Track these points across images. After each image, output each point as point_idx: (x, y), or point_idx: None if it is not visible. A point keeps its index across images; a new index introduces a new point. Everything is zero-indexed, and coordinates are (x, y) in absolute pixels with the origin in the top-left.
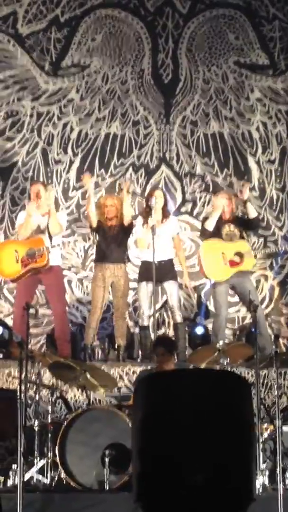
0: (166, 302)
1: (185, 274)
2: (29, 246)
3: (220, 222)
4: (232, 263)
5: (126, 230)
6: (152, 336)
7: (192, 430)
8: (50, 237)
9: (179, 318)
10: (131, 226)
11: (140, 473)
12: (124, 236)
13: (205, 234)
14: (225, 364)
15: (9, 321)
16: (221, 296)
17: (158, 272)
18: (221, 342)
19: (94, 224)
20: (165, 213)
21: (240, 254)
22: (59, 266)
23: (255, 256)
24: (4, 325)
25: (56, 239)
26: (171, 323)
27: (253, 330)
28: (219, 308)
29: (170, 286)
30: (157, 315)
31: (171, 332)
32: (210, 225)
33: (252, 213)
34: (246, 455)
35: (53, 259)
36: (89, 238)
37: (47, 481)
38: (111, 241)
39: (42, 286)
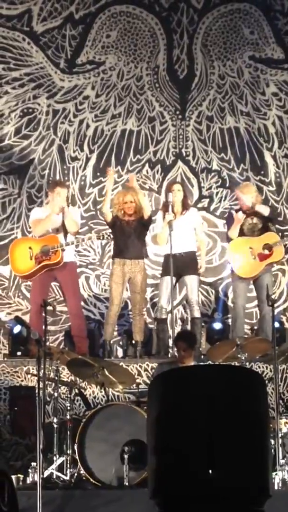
0: (185, 298)
1: (203, 263)
2: (43, 244)
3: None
4: (262, 257)
5: (144, 226)
6: (170, 332)
7: (206, 426)
8: (66, 235)
9: (197, 313)
10: (149, 221)
11: (156, 470)
12: (142, 232)
13: (228, 240)
14: (243, 359)
15: (27, 319)
16: (240, 290)
17: (179, 265)
18: (238, 335)
19: (109, 219)
20: (186, 205)
21: (268, 246)
22: (73, 262)
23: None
24: (22, 323)
25: (70, 236)
26: (189, 318)
27: (271, 324)
28: (236, 302)
29: (191, 280)
30: (175, 310)
31: (188, 328)
32: (234, 235)
33: (265, 211)
34: (261, 451)
35: (67, 256)
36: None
37: (66, 478)
38: (129, 236)
39: (57, 283)
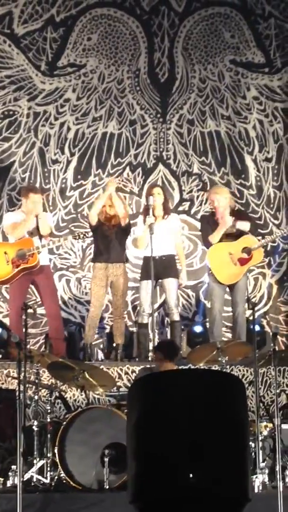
0: (165, 301)
1: (184, 272)
2: (19, 247)
3: (216, 218)
4: (242, 261)
5: (125, 229)
6: (151, 335)
7: (186, 430)
8: (40, 238)
9: (176, 316)
10: (128, 227)
11: (135, 474)
12: (123, 236)
13: (208, 245)
14: (223, 362)
15: (8, 321)
16: (217, 294)
17: (159, 268)
18: (218, 338)
19: (94, 223)
20: (167, 209)
21: (247, 250)
22: (48, 265)
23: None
24: (2, 325)
25: (43, 239)
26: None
27: (251, 327)
28: (213, 307)
29: (169, 283)
30: (156, 314)
31: (168, 331)
32: (215, 239)
33: (246, 227)
34: (240, 455)
35: (42, 259)
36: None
37: (47, 481)
38: (111, 240)
39: (34, 286)
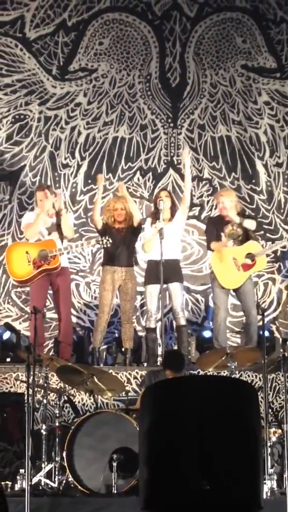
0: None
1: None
2: (41, 248)
3: (222, 221)
4: (245, 267)
5: (134, 233)
6: (159, 341)
7: (198, 437)
8: (62, 239)
9: (182, 321)
10: (139, 229)
11: (147, 480)
12: (132, 239)
13: (209, 248)
14: (232, 367)
15: (17, 325)
16: (220, 299)
17: (164, 272)
18: (222, 345)
19: (99, 227)
20: (173, 213)
21: (251, 256)
22: (67, 267)
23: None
24: (12, 329)
25: (64, 242)
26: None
27: (261, 333)
28: (218, 312)
29: (174, 287)
30: (164, 319)
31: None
32: (216, 248)
33: (252, 226)
34: (252, 462)
35: (62, 261)
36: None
37: (54, 485)
38: (119, 244)
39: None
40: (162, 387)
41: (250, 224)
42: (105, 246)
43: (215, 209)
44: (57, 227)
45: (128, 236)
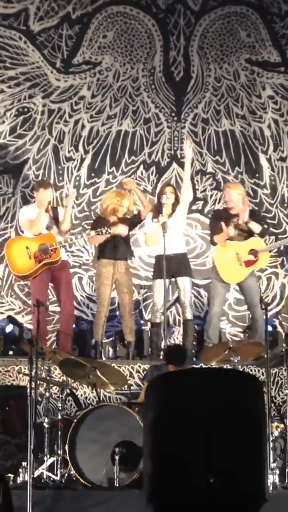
0: (177, 300)
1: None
2: (40, 242)
3: (227, 215)
4: (248, 263)
5: (130, 227)
6: (163, 334)
7: (203, 430)
8: (60, 233)
9: (189, 315)
10: (137, 222)
11: (152, 474)
12: (128, 233)
13: (212, 242)
14: (235, 362)
15: (20, 318)
16: (217, 292)
17: (173, 266)
18: (212, 340)
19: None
20: (174, 209)
21: (254, 252)
22: (67, 261)
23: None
24: (15, 322)
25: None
26: (181, 321)
27: (264, 328)
28: (212, 306)
29: (183, 281)
30: (167, 313)
31: (180, 330)
32: (220, 241)
33: (256, 229)
34: (257, 455)
35: (62, 255)
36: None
37: (57, 478)
38: (116, 237)
39: (51, 283)
40: (168, 380)
41: (256, 227)
42: (104, 235)
43: (218, 203)
44: (55, 221)
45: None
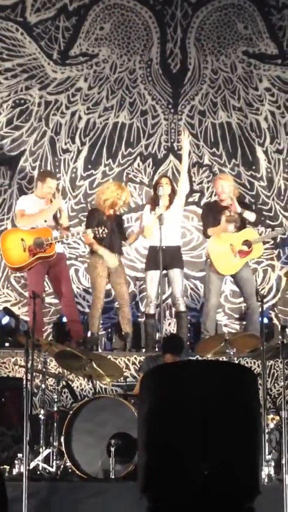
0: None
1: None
2: (36, 236)
3: (219, 207)
4: (242, 253)
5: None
6: (159, 326)
7: (198, 422)
8: (57, 228)
9: (182, 307)
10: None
11: (146, 465)
12: (121, 225)
13: (206, 235)
14: (231, 354)
15: (16, 310)
16: (213, 284)
17: (165, 258)
18: (210, 332)
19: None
20: (172, 200)
21: (248, 243)
22: (63, 253)
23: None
24: (11, 314)
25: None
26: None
27: (260, 320)
28: (208, 296)
29: (175, 273)
30: (163, 305)
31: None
32: (214, 233)
33: (251, 218)
34: (252, 447)
35: (57, 247)
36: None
37: (52, 470)
38: (111, 230)
39: (47, 275)
40: (163, 371)
41: (250, 216)
42: (100, 236)
43: (215, 195)
44: (54, 215)
45: (118, 222)
